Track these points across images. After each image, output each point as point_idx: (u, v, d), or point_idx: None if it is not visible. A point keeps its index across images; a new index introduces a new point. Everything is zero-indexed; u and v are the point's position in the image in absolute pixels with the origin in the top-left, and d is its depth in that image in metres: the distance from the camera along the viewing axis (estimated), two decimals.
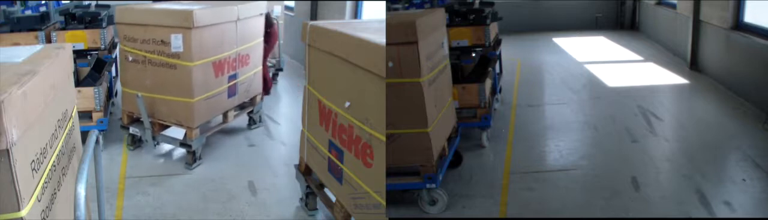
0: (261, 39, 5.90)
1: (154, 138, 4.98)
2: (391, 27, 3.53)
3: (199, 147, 4.92)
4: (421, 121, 3.74)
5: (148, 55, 4.81)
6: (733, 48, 7.07)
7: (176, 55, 4.69)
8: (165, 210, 4.15)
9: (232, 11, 5.17)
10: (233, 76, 5.35)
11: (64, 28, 5.69)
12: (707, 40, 7.88)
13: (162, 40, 4.70)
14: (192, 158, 4.89)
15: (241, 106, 5.81)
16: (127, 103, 5.11)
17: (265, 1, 5.91)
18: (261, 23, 5.86)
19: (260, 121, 6.05)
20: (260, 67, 6.04)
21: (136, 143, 5.27)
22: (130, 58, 4.92)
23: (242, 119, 5.95)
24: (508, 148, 5.27)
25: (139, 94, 4.71)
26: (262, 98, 6.10)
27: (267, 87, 6.77)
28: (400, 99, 3.64)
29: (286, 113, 6.85)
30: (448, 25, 5.19)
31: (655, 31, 11.10)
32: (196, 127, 4.85)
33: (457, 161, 4.72)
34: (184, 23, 4.57)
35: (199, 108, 4.84)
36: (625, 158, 4.93)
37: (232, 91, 5.39)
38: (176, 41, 4.64)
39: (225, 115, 5.41)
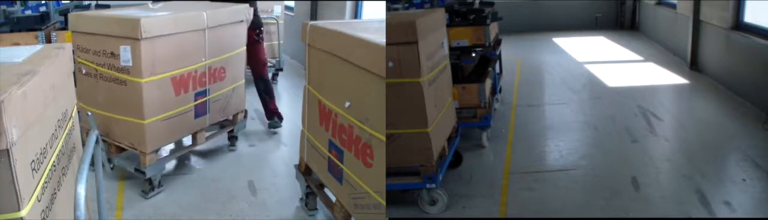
0: (243, 49, 5.27)
1: (109, 161, 4.40)
2: (391, 27, 3.53)
3: (158, 174, 4.35)
4: (421, 121, 3.74)
5: (99, 68, 4.23)
6: (733, 48, 7.07)
7: (126, 70, 4.09)
8: (165, 210, 4.16)
9: (198, 18, 4.51)
10: (202, 93, 4.70)
11: (64, 28, 5.69)
12: (707, 40, 7.88)
13: (112, 52, 4.11)
14: (149, 186, 4.30)
15: (222, 125, 5.29)
16: (83, 120, 4.32)
17: (247, 6, 5.25)
18: (242, 31, 5.23)
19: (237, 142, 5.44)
20: (242, 82, 5.32)
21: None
22: (84, 71, 4.38)
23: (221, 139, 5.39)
24: (508, 148, 5.27)
25: (89, 112, 4.03)
26: (245, 116, 5.47)
27: (273, 110, 5.93)
28: (400, 99, 3.64)
29: (286, 113, 6.84)
30: (448, 25, 5.19)
31: (655, 31, 11.10)
32: (151, 151, 4.25)
33: (457, 161, 4.72)
34: (131, 33, 3.94)
35: (153, 130, 4.21)
36: (625, 158, 4.93)
37: (200, 110, 4.73)
38: (125, 54, 4.04)
39: (194, 136, 4.83)
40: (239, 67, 5.24)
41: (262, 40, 6.00)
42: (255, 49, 5.84)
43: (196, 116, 4.70)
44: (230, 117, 5.29)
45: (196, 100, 4.64)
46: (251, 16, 5.60)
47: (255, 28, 5.80)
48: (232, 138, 5.35)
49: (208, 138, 5.03)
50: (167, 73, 4.28)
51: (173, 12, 4.42)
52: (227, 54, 4.96)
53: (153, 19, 4.04)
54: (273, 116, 5.91)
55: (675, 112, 6.49)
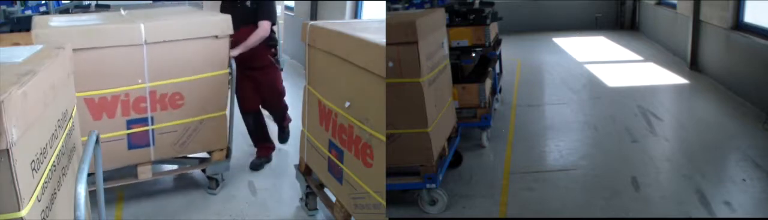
0: (220, 73, 4.23)
1: None
2: (391, 27, 3.53)
3: None
4: (421, 121, 3.74)
5: None
6: (733, 48, 7.07)
7: None
8: (165, 209, 4.15)
9: (129, 31, 3.74)
10: (141, 121, 3.96)
11: None
12: (707, 40, 7.88)
13: None
14: None
15: (201, 160, 4.51)
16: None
17: (225, 18, 4.17)
18: (216, 50, 4.16)
19: (220, 184, 4.47)
20: (221, 114, 4.35)
21: None
22: None
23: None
24: (508, 148, 5.27)
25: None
26: (227, 156, 4.48)
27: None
28: (400, 99, 3.64)
29: None
30: (448, 25, 5.19)
31: (655, 31, 11.10)
32: None
33: (457, 161, 4.72)
34: None
35: None
36: (625, 158, 4.93)
37: (138, 141, 4.01)
38: None
39: (136, 170, 4.11)
40: (212, 96, 4.26)
41: (278, 63, 4.96)
42: (273, 76, 4.91)
43: (131, 146, 4.00)
44: (207, 154, 4.49)
45: (130, 128, 3.94)
46: (267, 31, 4.59)
47: (272, 46, 4.85)
48: (211, 180, 4.43)
49: (163, 174, 4.45)
50: (80, 94, 3.58)
51: (105, 22, 3.86)
52: (186, 77, 4.07)
53: (49, 31, 3.47)
54: (283, 131, 5.43)
55: (675, 112, 6.49)
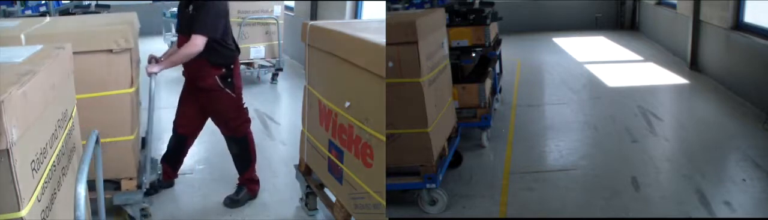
0: (122, 91, 3.57)
1: None
2: (391, 27, 3.53)
3: None
4: (421, 121, 3.74)
5: None
6: (733, 48, 7.07)
7: None
8: (165, 209, 4.15)
9: (10, 42, 3.22)
10: None
11: None
12: (707, 40, 7.88)
13: None
14: None
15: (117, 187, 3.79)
16: None
17: (125, 29, 3.50)
18: (115, 64, 3.49)
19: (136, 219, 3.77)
20: (128, 139, 3.68)
21: None
22: None
23: None
24: (508, 148, 5.27)
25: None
26: (139, 187, 3.77)
27: (248, 179, 4.29)
28: (400, 99, 3.64)
29: (286, 113, 6.84)
30: (448, 25, 5.19)
31: (655, 31, 11.11)
32: None
33: (457, 161, 4.72)
34: None
35: None
36: (625, 158, 4.93)
37: None
38: None
39: None
40: (111, 117, 3.60)
41: (237, 87, 3.99)
42: (218, 101, 4.01)
43: None
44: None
45: None
46: (196, 48, 3.70)
47: (221, 65, 3.89)
48: (122, 211, 3.80)
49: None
50: None
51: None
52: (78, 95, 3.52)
53: None
54: (243, 186, 4.27)
55: (675, 112, 6.49)
